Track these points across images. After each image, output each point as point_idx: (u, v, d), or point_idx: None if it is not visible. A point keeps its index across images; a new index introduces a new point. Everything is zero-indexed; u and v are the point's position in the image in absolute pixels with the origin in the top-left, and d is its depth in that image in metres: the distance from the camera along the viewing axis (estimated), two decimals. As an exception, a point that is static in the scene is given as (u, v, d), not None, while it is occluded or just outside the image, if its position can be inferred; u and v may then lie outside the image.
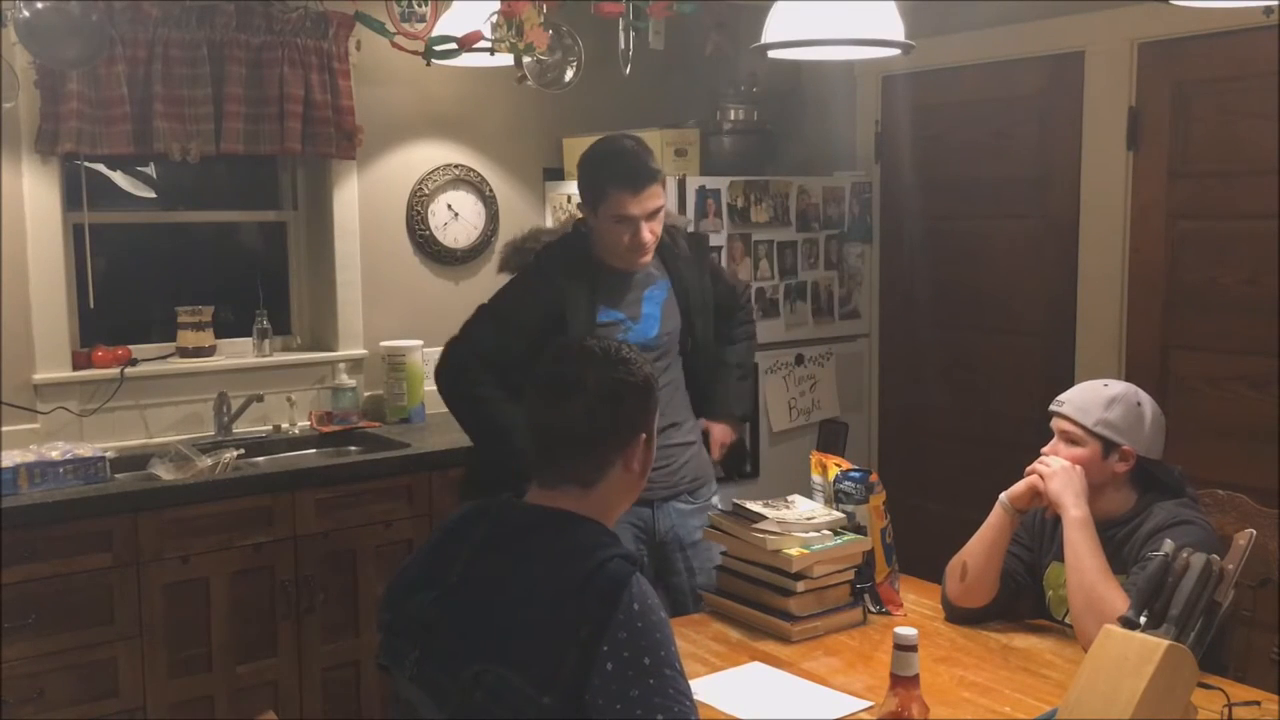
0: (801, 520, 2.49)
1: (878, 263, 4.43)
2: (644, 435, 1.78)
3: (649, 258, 2.87)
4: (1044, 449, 2.42)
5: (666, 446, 2.94)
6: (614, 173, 2.77)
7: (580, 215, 2.95)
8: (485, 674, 1.59)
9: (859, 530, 2.54)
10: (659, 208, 2.81)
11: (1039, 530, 2.52)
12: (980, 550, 2.43)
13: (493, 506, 1.78)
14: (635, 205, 2.75)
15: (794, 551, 2.41)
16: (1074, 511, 2.29)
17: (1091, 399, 2.38)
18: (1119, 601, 2.09)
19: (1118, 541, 2.33)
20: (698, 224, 3.83)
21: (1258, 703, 2.00)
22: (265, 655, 3.28)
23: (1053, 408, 2.44)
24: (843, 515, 2.55)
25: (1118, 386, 2.41)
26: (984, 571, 2.43)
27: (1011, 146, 3.99)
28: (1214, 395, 3.51)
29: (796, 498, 2.64)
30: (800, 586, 2.41)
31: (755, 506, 2.54)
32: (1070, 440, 2.38)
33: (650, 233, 2.80)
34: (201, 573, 3.17)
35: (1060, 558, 2.40)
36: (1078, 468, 2.34)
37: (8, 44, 3.15)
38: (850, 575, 2.49)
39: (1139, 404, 2.38)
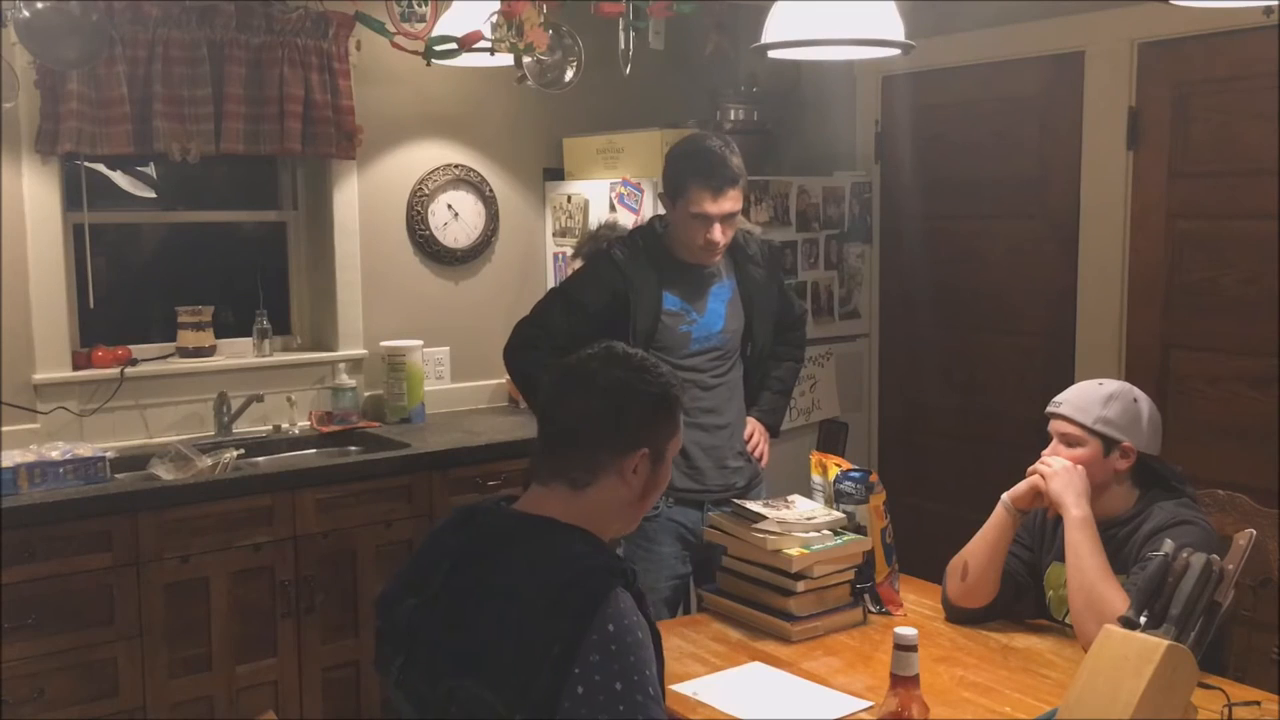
0: (801, 520, 2.49)
1: (878, 263, 4.43)
2: (646, 450, 1.70)
3: (719, 257, 2.95)
4: (1044, 452, 2.42)
5: (718, 447, 2.97)
6: (697, 170, 2.82)
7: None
8: (460, 689, 1.56)
9: (859, 530, 2.54)
10: (735, 211, 2.86)
11: (1040, 530, 2.52)
12: (981, 550, 2.43)
13: (478, 512, 1.74)
14: (713, 205, 2.82)
15: (794, 551, 2.41)
16: (1075, 511, 2.29)
17: (1089, 398, 2.38)
18: (1119, 601, 2.09)
19: (1119, 541, 2.33)
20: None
21: (1258, 703, 2.00)
22: (265, 655, 3.28)
23: (1050, 409, 2.43)
24: (843, 515, 2.55)
25: (1113, 384, 2.41)
26: (985, 572, 2.43)
27: (1011, 146, 3.99)
28: (1214, 395, 3.51)
29: (796, 498, 2.64)
30: (800, 586, 2.41)
31: (755, 507, 2.54)
32: (1070, 442, 2.38)
33: (723, 234, 2.86)
34: (201, 573, 3.17)
35: (1061, 558, 2.40)
36: (1079, 468, 2.34)
37: (8, 44, 3.15)
38: (850, 575, 2.49)
39: (1135, 400, 2.38)
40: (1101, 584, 2.20)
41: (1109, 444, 2.35)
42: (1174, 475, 2.40)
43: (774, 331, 3.14)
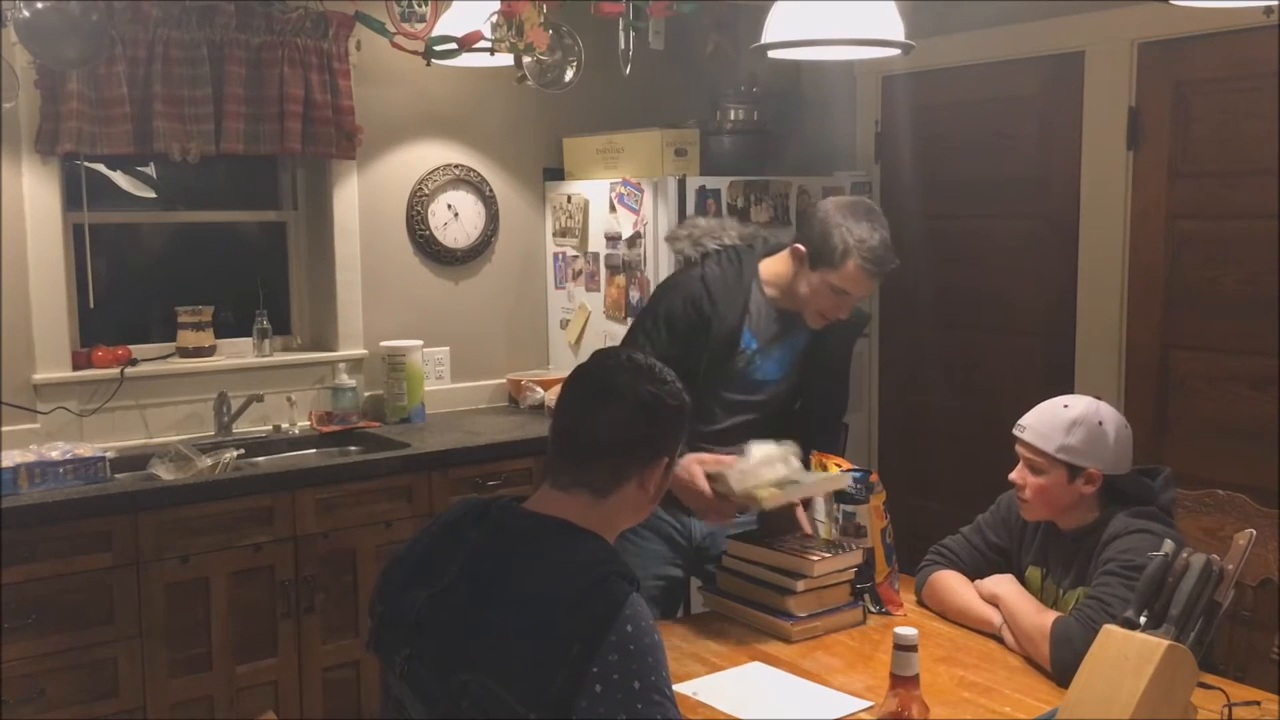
0: (756, 465, 2.43)
1: (878, 263, 4.42)
2: (666, 460, 1.78)
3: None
4: (1011, 474, 2.41)
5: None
6: (868, 254, 2.59)
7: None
8: (472, 683, 1.57)
9: (858, 531, 2.54)
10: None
11: (1019, 532, 2.53)
12: (954, 613, 2.48)
13: (493, 508, 1.76)
14: (862, 288, 2.65)
15: (765, 493, 2.39)
16: (994, 588, 2.40)
17: (1052, 423, 2.34)
18: (1050, 618, 2.21)
19: (1085, 551, 2.33)
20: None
21: (1258, 703, 2.00)
22: (265, 655, 3.28)
23: (1015, 432, 2.41)
24: (795, 445, 2.49)
25: (1079, 407, 2.35)
26: (953, 617, 2.49)
27: (1011, 146, 3.99)
28: (1214, 395, 3.51)
29: (752, 444, 2.53)
30: (800, 586, 2.41)
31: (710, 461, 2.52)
32: (1034, 468, 2.36)
33: (847, 310, 2.72)
34: (201, 573, 3.17)
35: (1035, 562, 2.46)
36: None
37: (8, 44, 3.15)
38: (851, 575, 2.49)
39: (1100, 423, 2.32)
40: (1035, 617, 2.26)
41: (1073, 470, 2.32)
42: (1142, 487, 2.35)
43: (833, 395, 2.94)
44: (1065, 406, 2.36)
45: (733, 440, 2.80)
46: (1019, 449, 2.40)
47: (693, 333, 2.69)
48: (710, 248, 2.78)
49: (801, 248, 2.67)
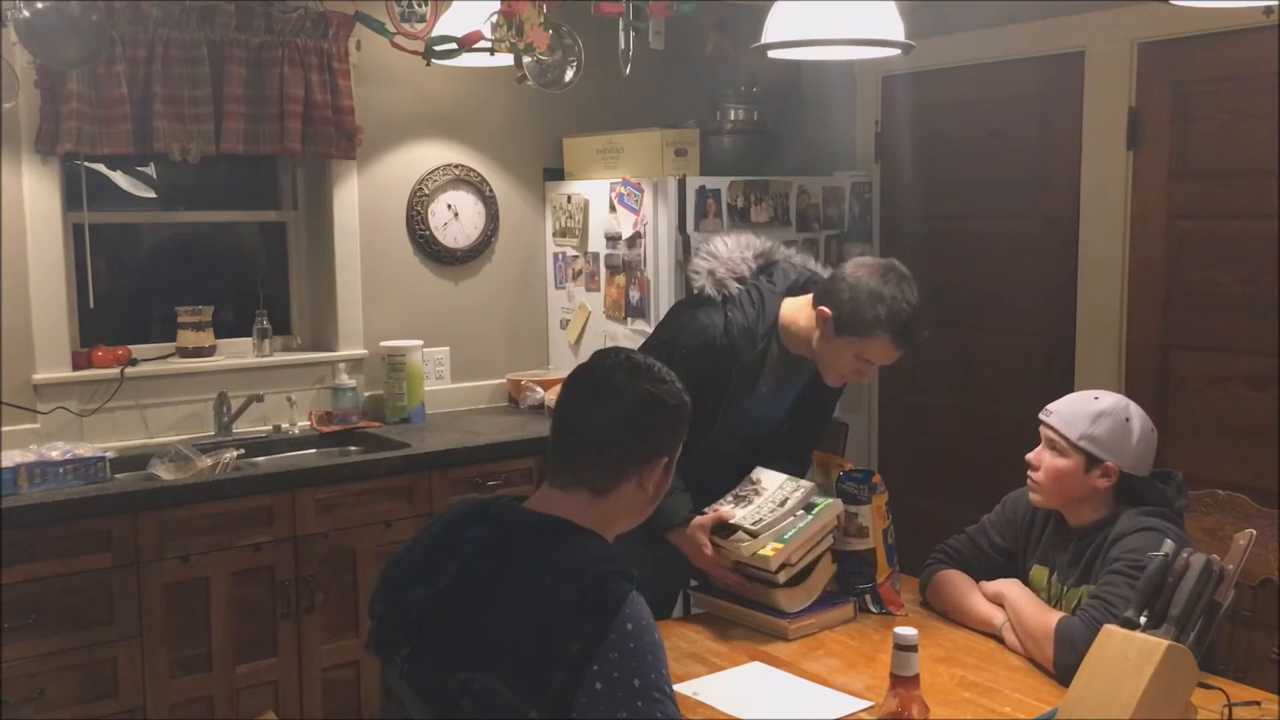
0: (772, 512, 2.46)
1: (878, 263, 4.42)
2: (666, 459, 1.78)
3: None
4: (1029, 455, 2.41)
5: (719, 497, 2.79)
6: (900, 329, 2.51)
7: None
8: (473, 681, 1.57)
9: (860, 532, 2.54)
10: None
11: (1025, 531, 2.52)
12: (956, 612, 2.49)
13: (493, 507, 1.76)
14: (888, 358, 2.58)
15: (768, 551, 2.41)
16: (1002, 588, 2.40)
17: (1079, 411, 2.34)
18: (1055, 618, 2.21)
19: (1090, 551, 2.33)
20: (698, 224, 3.84)
21: (1258, 703, 2.00)
22: (265, 655, 3.28)
23: (1041, 415, 2.41)
24: (813, 485, 2.53)
25: (1108, 400, 2.35)
26: (955, 616, 2.49)
27: (1011, 146, 3.99)
28: (1214, 395, 3.51)
29: (761, 473, 2.58)
30: (782, 577, 2.41)
31: (725, 506, 2.54)
32: (1055, 449, 2.36)
33: (869, 376, 2.67)
34: (201, 573, 3.17)
35: (1041, 561, 2.45)
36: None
37: (8, 44, 3.15)
38: (830, 542, 2.50)
39: (1127, 420, 2.32)
40: (1040, 617, 2.26)
41: (1091, 461, 2.31)
42: (1157, 492, 2.33)
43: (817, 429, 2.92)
44: (1095, 398, 2.36)
45: (730, 466, 2.79)
46: (1043, 430, 2.39)
47: (712, 377, 2.62)
48: (733, 290, 2.68)
49: (827, 311, 2.53)
